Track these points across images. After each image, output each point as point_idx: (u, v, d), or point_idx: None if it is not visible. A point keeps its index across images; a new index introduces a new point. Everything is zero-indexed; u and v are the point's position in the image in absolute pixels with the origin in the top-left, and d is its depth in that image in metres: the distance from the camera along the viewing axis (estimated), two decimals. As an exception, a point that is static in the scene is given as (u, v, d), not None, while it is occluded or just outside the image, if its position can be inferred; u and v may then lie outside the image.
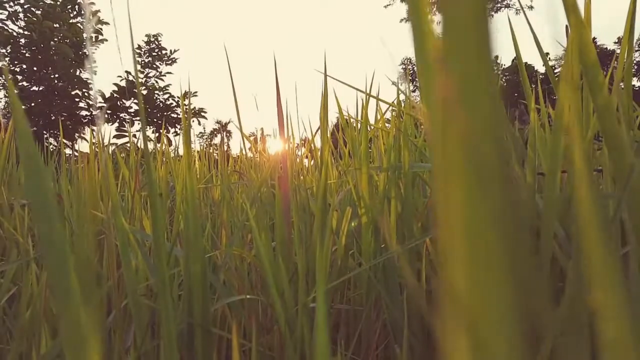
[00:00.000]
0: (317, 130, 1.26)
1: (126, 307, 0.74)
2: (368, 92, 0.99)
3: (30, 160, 0.23)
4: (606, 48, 22.47)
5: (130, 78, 6.82)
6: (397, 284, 0.65)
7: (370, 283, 0.65)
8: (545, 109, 1.02)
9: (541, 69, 23.33)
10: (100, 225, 0.88)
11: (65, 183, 1.27)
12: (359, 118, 1.02)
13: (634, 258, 0.47)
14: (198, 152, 2.10)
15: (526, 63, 19.47)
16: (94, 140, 0.95)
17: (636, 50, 23.37)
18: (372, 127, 1.00)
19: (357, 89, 0.87)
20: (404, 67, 22.12)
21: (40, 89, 6.36)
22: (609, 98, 0.33)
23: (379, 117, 1.07)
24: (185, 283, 0.51)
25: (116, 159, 1.45)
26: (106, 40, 6.09)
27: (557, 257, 0.53)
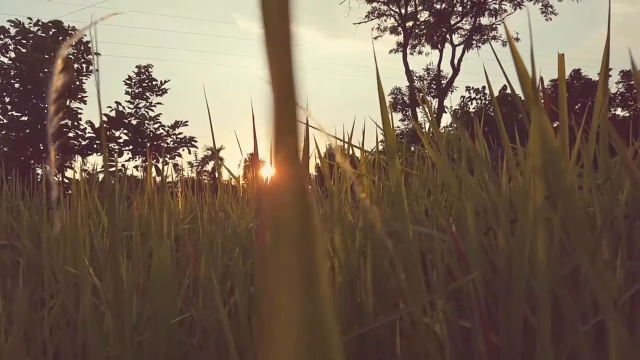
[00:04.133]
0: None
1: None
2: (348, 139, 0.99)
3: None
4: (590, 79, 23.05)
5: (120, 108, 6.85)
6: (372, 348, 0.64)
7: (347, 347, 0.64)
8: (523, 150, 1.04)
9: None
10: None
11: (45, 227, 1.24)
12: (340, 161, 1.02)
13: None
14: (186, 180, 2.08)
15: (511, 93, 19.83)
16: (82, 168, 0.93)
17: (619, 82, 24.03)
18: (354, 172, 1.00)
19: (337, 138, 0.87)
20: (393, 97, 22.39)
21: (29, 119, 6.37)
22: (571, 185, 0.33)
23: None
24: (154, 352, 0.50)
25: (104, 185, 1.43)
26: (97, 70, 6.10)
27: (530, 322, 0.52)
